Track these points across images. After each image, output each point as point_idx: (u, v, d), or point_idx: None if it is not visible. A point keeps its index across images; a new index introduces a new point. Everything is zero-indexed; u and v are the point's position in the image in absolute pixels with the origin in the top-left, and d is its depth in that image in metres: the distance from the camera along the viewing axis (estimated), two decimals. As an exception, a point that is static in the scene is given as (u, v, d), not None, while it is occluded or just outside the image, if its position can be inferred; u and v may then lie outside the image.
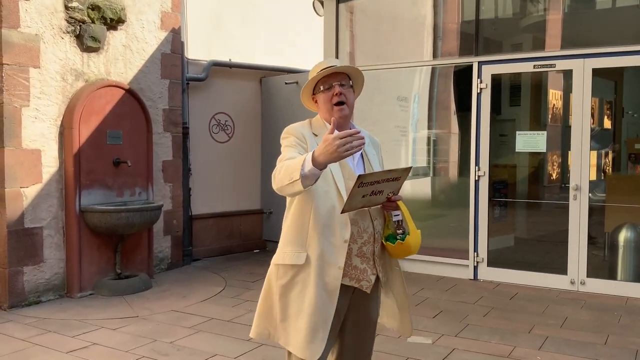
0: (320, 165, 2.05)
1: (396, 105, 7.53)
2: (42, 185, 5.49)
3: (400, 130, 7.60)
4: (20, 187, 5.31)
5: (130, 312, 5.20)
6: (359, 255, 2.36)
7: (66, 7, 5.64)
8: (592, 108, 5.96)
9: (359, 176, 2.08)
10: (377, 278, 2.44)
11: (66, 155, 5.64)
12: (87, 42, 5.79)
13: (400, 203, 2.35)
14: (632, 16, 6.11)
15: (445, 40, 7.26)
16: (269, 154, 8.12)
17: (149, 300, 5.59)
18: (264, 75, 8.26)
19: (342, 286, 2.33)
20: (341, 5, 7.27)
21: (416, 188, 7.59)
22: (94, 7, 5.85)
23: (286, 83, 7.86)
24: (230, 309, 5.32)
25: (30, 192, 5.39)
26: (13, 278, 5.27)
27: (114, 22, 6.06)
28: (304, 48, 8.52)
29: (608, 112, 9.91)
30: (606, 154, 8.97)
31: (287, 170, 2.12)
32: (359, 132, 2.04)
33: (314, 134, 2.40)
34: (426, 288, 6.03)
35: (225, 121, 7.87)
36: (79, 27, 5.73)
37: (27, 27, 5.31)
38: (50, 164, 5.56)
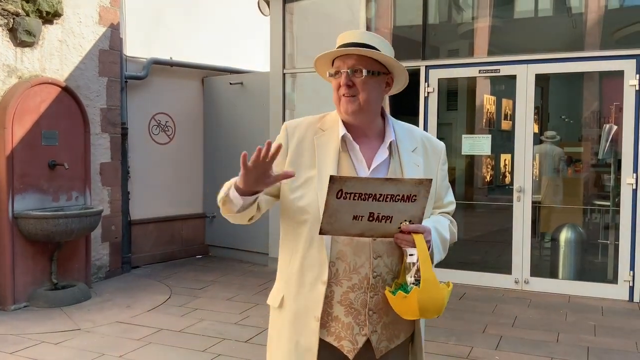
0: (240, 190, 1.65)
1: (330, 108, 7.50)
2: (-31, 190, 5.05)
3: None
4: (-54, 192, 4.87)
5: (71, 325, 4.87)
6: (343, 304, 1.72)
7: (-3, -2, 5.24)
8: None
9: (331, 178, 1.52)
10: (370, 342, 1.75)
11: (-3, 157, 5.22)
12: (21, 37, 5.39)
13: (418, 237, 1.61)
14: (570, 24, 6.40)
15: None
16: (212, 156, 7.89)
17: (90, 312, 5.27)
18: (206, 74, 8.02)
19: (326, 344, 1.74)
20: (288, 6, 7.17)
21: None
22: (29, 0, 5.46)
23: (231, 83, 7.67)
24: (179, 319, 5.09)
25: (-44, 197, 4.95)
26: (-63, 291, 4.81)
27: (50, 16, 5.68)
28: (249, 48, 8.36)
29: (536, 116, 10.40)
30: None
31: (220, 196, 1.75)
32: (269, 143, 1.55)
33: (320, 129, 1.85)
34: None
35: (166, 122, 7.58)
36: (12, 20, 5.33)
37: (-47, 17, 4.88)
38: (-21, 166, 5.12)
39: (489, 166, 9.90)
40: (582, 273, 6.28)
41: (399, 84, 1.88)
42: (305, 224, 1.74)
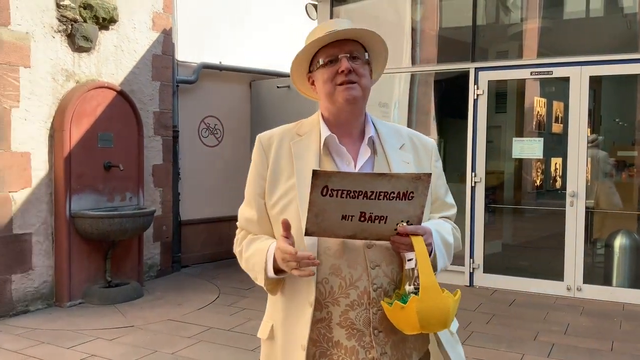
0: (282, 272, 1.51)
1: (378, 111, 7.50)
2: (31, 190, 5.27)
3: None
4: (9, 192, 5.09)
5: (124, 322, 5.02)
6: (343, 326, 1.51)
7: (58, 6, 5.44)
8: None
9: (314, 173, 1.36)
10: None
11: (56, 159, 5.43)
12: (78, 42, 5.59)
13: (416, 240, 1.43)
14: (624, 24, 6.21)
15: (428, 47, 7.26)
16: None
17: (143, 309, 5.41)
18: (254, 78, 8.13)
19: None
20: (335, 9, 7.21)
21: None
22: (86, 6, 5.66)
23: (278, 87, 7.76)
24: (228, 318, 5.18)
25: (19, 196, 5.16)
26: (1, 287, 5.03)
27: (106, 22, 5.87)
28: (296, 51, 8.42)
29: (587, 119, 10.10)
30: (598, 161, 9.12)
31: (248, 264, 1.64)
32: (312, 258, 1.41)
33: (297, 134, 1.67)
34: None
35: (215, 125, 7.72)
36: (70, 26, 5.53)
37: (17, 24, 5.10)
38: (39, 167, 5.34)
39: (539, 170, 9.69)
40: (637, 280, 6.08)
41: (380, 65, 1.74)
42: (287, 212, 1.56)
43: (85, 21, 5.66)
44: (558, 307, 5.57)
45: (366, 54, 1.64)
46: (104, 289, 5.69)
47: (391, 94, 7.37)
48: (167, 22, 6.74)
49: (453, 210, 1.78)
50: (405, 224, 1.44)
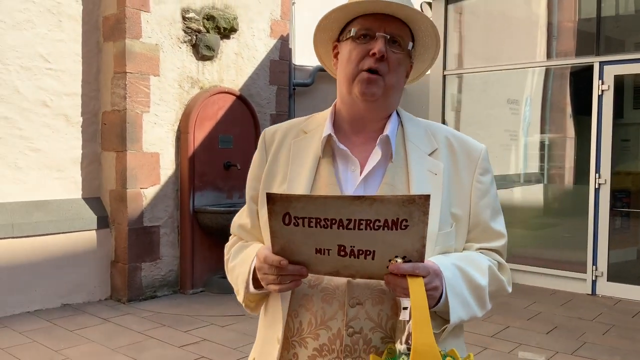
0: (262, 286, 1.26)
1: (506, 108, 7.23)
2: (159, 187, 5.82)
3: (510, 134, 7.29)
4: (140, 188, 5.66)
5: (238, 311, 5.36)
6: None
7: (184, 18, 5.95)
8: None
9: (268, 197, 1.10)
10: None
11: (182, 159, 5.94)
12: (202, 51, 6.07)
13: (413, 282, 1.09)
14: None
15: (561, 40, 6.87)
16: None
17: (255, 300, 5.74)
18: (369, 79, 8.23)
19: None
20: (450, 7, 7.10)
21: (527, 195, 7.23)
22: (209, 17, 6.12)
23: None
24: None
25: (149, 192, 5.73)
26: (132, 273, 5.62)
27: (227, 31, 6.31)
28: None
29: None
30: None
31: (232, 275, 1.42)
32: (303, 273, 1.16)
33: (303, 130, 1.40)
34: (539, 302, 5.70)
35: (331, 126, 7.94)
36: (194, 37, 6.03)
37: (148, 37, 5.66)
38: (167, 166, 5.88)
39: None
40: None
41: (427, 60, 1.42)
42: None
43: (208, 31, 6.13)
44: (692, 323, 5.05)
45: (411, 43, 1.31)
46: (222, 279, 6.12)
47: (521, 90, 7.09)
48: (285, 29, 7.06)
49: (500, 241, 1.36)
50: (400, 260, 1.11)
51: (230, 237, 1.53)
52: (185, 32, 5.97)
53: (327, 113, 1.41)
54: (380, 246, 1.10)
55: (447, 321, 1.20)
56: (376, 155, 1.30)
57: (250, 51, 6.66)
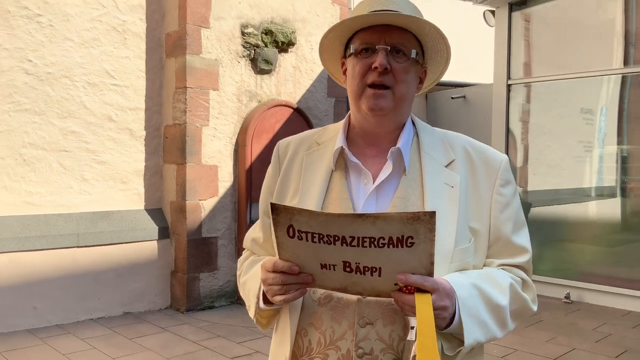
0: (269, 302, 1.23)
1: (579, 118, 6.89)
2: (218, 199, 5.91)
3: (584, 145, 6.93)
4: (199, 200, 5.78)
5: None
6: None
7: (242, 33, 6.06)
8: None
9: (272, 207, 1.09)
10: None
11: (239, 171, 6.02)
12: (260, 65, 6.15)
13: (420, 299, 1.06)
14: None
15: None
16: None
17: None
18: (430, 90, 8.10)
19: None
20: (515, 14, 6.87)
21: (602, 210, 6.83)
22: (267, 32, 6.20)
23: (452, 98, 7.62)
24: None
25: (207, 204, 5.83)
26: (190, 283, 5.72)
27: (285, 45, 6.36)
28: (473, 61, 8.21)
29: None
30: None
31: (244, 290, 1.40)
32: (309, 280, 1.14)
33: (316, 142, 1.38)
34: (609, 323, 5.34)
35: (391, 138, 7.85)
36: (253, 51, 6.12)
37: (208, 53, 5.80)
38: (225, 178, 5.97)
39: None
40: None
41: (438, 68, 1.36)
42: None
43: (266, 46, 6.21)
44: None
45: (414, 50, 1.25)
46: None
47: (596, 99, 6.76)
48: (343, 41, 7.04)
49: (524, 257, 1.29)
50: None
51: (243, 252, 1.53)
52: (244, 46, 6.07)
53: (340, 125, 1.39)
54: (386, 263, 1.07)
55: (463, 342, 1.14)
56: (387, 168, 1.27)
57: (309, 64, 6.69)
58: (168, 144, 5.86)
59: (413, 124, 1.36)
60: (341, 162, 1.31)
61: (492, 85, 7.00)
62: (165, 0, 5.88)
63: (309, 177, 1.33)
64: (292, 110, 6.36)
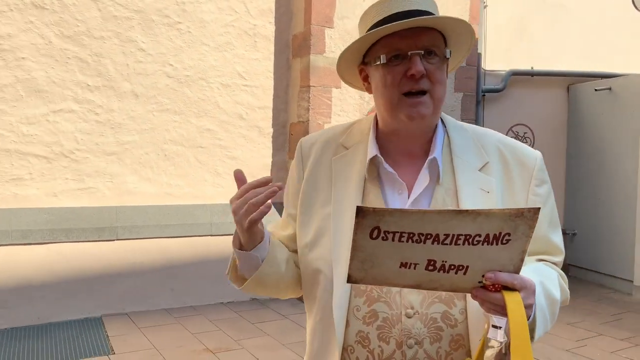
0: (237, 243, 1.20)
1: None
2: (339, 194, 6.07)
3: None
4: (321, 195, 5.97)
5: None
6: None
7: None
8: None
9: (359, 210, 1.01)
10: None
11: (361, 167, 6.12)
12: (383, 62, 6.18)
13: (511, 298, 1.01)
14: None
15: None
16: (574, 168, 7.36)
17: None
18: (572, 82, 7.52)
19: None
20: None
21: None
22: (391, 28, 6.21)
23: (596, 90, 7.01)
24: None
25: (329, 199, 6.01)
26: None
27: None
28: (622, 48, 7.48)
29: None
30: None
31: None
32: (269, 182, 1.13)
33: (343, 145, 1.33)
34: None
35: (525, 133, 7.44)
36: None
37: (331, 52, 5.95)
38: (347, 174, 6.10)
39: None
40: None
41: (460, 54, 1.34)
42: (317, 284, 1.25)
43: (390, 42, 6.22)
44: None
45: (447, 50, 1.23)
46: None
47: None
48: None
49: (559, 257, 1.30)
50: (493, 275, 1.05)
51: None
52: (366, 44, 6.14)
53: (367, 126, 1.34)
54: (475, 261, 1.04)
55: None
56: (424, 180, 1.24)
57: (435, 59, 6.57)
58: (293, 141, 6.13)
59: (442, 122, 1.32)
60: (373, 169, 1.27)
61: (641, 76, 6.35)
62: (292, 3, 6.14)
63: (340, 185, 1.28)
64: (415, 106, 6.31)
